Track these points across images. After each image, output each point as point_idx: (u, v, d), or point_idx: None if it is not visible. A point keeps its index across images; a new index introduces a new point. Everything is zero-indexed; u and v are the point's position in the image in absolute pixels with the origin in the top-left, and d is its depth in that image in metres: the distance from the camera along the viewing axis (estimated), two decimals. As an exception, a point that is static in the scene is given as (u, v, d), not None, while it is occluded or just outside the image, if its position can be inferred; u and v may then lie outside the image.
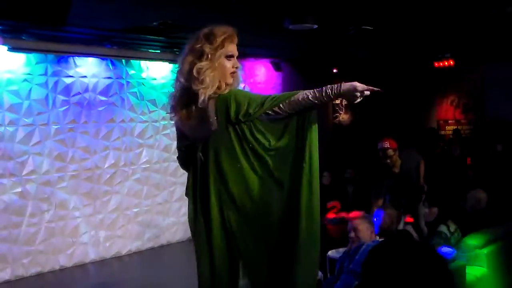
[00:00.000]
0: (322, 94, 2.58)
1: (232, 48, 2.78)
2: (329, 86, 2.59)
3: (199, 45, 2.72)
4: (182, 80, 2.75)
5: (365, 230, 4.21)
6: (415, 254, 1.33)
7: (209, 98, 2.68)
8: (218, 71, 2.72)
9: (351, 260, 3.52)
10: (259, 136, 2.68)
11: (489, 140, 10.53)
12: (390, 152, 6.06)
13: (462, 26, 7.12)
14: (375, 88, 2.56)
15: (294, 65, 10.14)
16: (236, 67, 2.80)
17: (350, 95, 2.57)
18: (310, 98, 2.59)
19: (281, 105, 2.61)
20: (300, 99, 2.60)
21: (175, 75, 2.85)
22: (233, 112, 2.66)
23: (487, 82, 11.65)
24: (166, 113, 2.96)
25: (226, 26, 2.78)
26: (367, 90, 2.56)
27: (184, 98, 2.79)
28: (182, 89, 2.79)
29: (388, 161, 6.07)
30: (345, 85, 2.57)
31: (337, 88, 2.57)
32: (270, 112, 2.64)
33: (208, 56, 2.70)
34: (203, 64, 2.69)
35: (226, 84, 2.75)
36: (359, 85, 2.56)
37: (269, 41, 7.81)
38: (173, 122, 2.92)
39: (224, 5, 5.29)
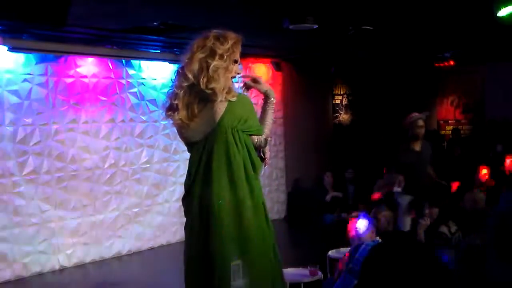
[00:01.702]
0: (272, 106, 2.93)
1: (238, 54, 2.78)
2: (271, 101, 2.92)
3: (209, 44, 2.70)
4: (190, 76, 2.71)
5: (365, 230, 4.21)
6: (413, 254, 1.33)
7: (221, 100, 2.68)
8: (230, 73, 2.73)
9: (351, 259, 3.53)
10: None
11: (489, 140, 10.53)
12: (421, 122, 6.03)
13: (462, 26, 7.12)
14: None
15: (294, 65, 10.14)
16: (238, 73, 2.81)
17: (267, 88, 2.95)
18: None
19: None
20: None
21: (178, 72, 2.81)
22: (242, 120, 2.71)
23: (487, 82, 11.65)
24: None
25: (233, 32, 2.79)
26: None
27: (188, 97, 2.76)
28: (188, 87, 2.75)
29: (418, 131, 6.02)
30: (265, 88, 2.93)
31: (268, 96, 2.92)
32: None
33: (222, 57, 2.69)
34: (218, 63, 2.67)
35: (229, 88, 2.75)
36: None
37: (269, 41, 7.81)
38: (172, 121, 2.89)
39: (224, 5, 5.29)
